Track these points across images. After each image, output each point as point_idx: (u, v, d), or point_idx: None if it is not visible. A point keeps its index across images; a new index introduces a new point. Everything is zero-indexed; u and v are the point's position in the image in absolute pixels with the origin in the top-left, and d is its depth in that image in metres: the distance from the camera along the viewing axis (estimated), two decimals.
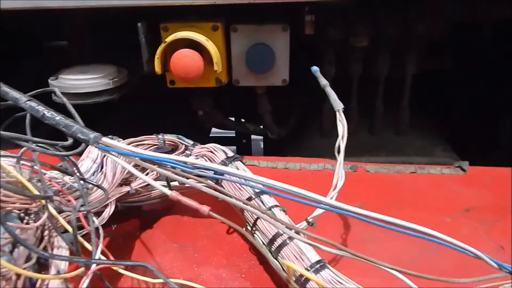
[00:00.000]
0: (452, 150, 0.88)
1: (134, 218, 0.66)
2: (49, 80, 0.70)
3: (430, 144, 0.88)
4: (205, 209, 0.38)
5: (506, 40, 0.87)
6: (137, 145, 0.59)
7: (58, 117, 0.37)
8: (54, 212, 0.36)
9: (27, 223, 0.35)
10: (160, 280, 0.35)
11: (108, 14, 0.67)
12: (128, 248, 0.62)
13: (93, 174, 0.53)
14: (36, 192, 0.36)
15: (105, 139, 0.37)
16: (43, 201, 0.35)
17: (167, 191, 0.38)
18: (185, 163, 0.36)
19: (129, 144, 0.58)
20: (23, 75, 0.83)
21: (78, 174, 0.42)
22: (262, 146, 1.65)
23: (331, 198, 0.50)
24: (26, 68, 0.90)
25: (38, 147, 0.36)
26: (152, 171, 0.63)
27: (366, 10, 0.74)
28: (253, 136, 1.62)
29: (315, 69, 0.53)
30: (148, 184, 0.63)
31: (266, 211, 0.54)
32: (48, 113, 0.37)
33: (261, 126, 0.93)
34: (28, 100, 0.37)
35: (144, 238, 0.64)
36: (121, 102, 0.78)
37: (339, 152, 0.52)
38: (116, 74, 0.72)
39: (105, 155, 0.55)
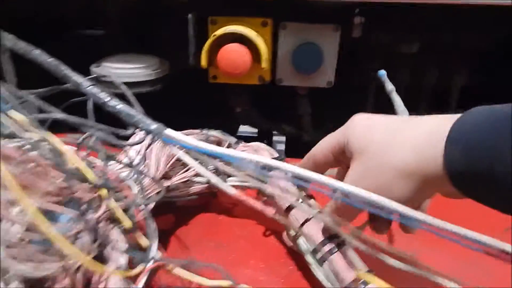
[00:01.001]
0: None
1: (169, 214, 0.64)
2: (91, 68, 0.69)
3: None
4: (270, 211, 0.36)
5: None
6: None
7: (120, 105, 0.36)
8: (114, 203, 0.34)
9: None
10: (227, 283, 0.34)
11: (155, 4, 0.66)
12: (163, 245, 0.60)
13: (137, 166, 0.51)
14: (97, 181, 0.34)
15: (169, 131, 0.35)
16: (103, 192, 0.34)
17: (231, 190, 0.36)
18: (258, 162, 0.34)
19: None
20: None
21: (134, 165, 0.40)
22: (279, 147, 1.62)
23: None
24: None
25: (101, 135, 0.35)
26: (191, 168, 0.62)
27: (417, 16, 0.72)
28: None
29: (382, 72, 0.51)
30: (188, 180, 0.62)
31: (311, 218, 0.52)
32: (111, 101, 0.35)
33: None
34: (91, 85, 0.36)
35: (180, 235, 0.62)
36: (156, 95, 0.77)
37: None
38: (158, 65, 0.71)
39: (148, 147, 0.54)
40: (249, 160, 0.34)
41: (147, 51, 0.75)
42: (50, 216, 0.30)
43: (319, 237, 0.52)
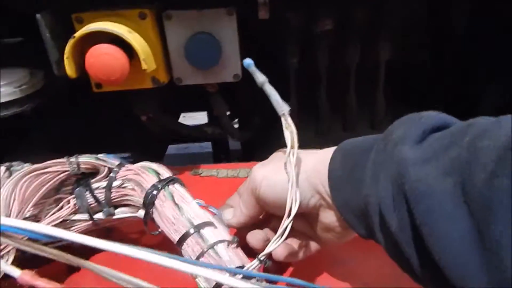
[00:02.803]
0: None
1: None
2: None
3: None
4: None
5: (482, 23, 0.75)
6: (41, 173, 0.46)
7: None
8: None
9: None
10: None
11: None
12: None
13: None
14: None
15: None
16: None
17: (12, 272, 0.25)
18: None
19: (29, 172, 0.45)
20: None
21: None
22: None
23: (284, 229, 0.38)
24: None
25: None
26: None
27: None
28: None
29: (248, 62, 0.41)
30: (64, 220, 0.50)
31: (205, 252, 0.42)
32: None
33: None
34: None
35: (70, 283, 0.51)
36: (52, 112, 0.65)
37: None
38: (27, 78, 0.58)
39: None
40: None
41: (19, 63, 0.62)
42: None
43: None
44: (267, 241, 0.43)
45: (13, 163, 0.48)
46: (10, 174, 0.46)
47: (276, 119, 0.82)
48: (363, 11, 0.64)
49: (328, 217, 0.41)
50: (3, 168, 0.46)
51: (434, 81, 0.80)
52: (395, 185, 0.27)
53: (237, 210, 0.47)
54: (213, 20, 0.55)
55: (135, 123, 0.73)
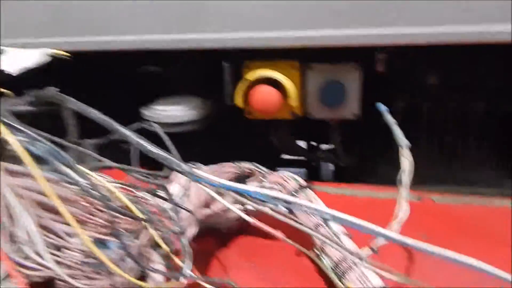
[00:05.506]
0: None
1: (212, 237, 0.72)
2: (142, 110, 0.80)
3: (498, 175, 0.88)
4: (279, 234, 0.43)
5: None
6: (219, 172, 0.66)
7: (160, 153, 0.44)
8: (153, 232, 0.43)
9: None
10: None
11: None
12: (206, 265, 0.68)
13: (180, 198, 0.60)
14: (139, 215, 0.43)
15: (197, 172, 0.44)
16: (146, 224, 0.43)
17: (249, 219, 0.44)
18: (265, 195, 0.42)
19: (212, 170, 0.65)
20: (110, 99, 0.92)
21: (171, 199, 0.49)
22: (331, 167, 1.69)
23: (393, 229, 0.53)
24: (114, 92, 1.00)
25: (142, 177, 0.44)
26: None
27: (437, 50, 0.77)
28: None
29: (381, 107, 0.57)
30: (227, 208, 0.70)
31: (332, 237, 0.59)
32: (154, 149, 0.44)
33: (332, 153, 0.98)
34: (136, 137, 0.45)
35: (221, 256, 0.70)
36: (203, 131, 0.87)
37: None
38: (202, 105, 0.80)
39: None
40: (255, 192, 0.42)
41: (191, 93, 0.85)
42: (103, 243, 0.39)
43: (339, 255, 0.58)
44: None
45: (196, 163, 0.67)
46: None
47: (370, 153, 0.98)
48: (464, 67, 0.78)
49: None
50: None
51: None
52: None
53: None
54: (342, 72, 0.73)
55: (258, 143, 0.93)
